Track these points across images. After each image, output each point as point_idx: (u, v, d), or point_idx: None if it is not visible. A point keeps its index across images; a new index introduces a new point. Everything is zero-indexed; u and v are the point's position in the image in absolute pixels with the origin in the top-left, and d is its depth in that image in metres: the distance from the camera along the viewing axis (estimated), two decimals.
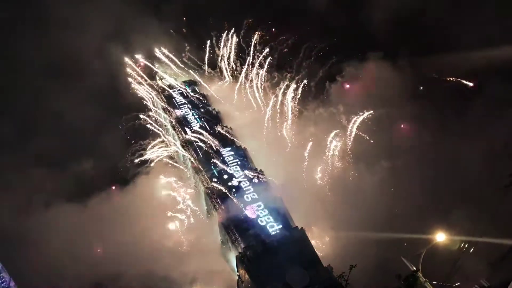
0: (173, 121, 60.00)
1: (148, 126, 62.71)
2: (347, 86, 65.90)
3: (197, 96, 65.54)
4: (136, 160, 60.88)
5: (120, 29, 66.73)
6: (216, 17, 72.31)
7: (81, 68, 65.08)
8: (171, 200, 57.44)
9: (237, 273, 44.84)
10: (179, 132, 59.01)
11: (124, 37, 67.32)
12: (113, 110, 66.32)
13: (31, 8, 66.93)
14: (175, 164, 62.69)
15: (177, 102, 64.32)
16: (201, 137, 56.45)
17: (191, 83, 68.76)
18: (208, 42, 69.25)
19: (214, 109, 63.24)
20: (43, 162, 58.17)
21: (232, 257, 45.44)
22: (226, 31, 68.72)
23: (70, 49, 63.57)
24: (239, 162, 53.32)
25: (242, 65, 68.53)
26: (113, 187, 58.99)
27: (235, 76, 69.07)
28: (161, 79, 69.92)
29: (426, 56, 62.92)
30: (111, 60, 65.76)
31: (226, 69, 69.46)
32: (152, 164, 61.40)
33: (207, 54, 69.99)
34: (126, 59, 65.43)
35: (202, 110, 62.55)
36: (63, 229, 50.15)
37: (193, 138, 56.68)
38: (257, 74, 66.13)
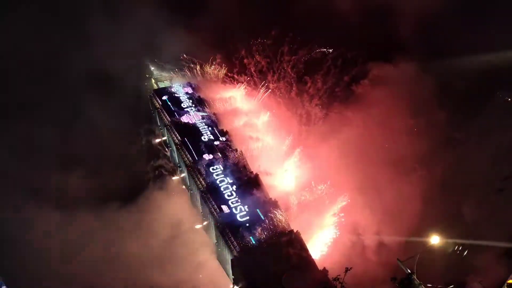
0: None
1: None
2: (372, 89, 66.32)
3: (195, 99, 65.32)
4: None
5: (149, 41, 66.87)
6: (245, 29, 72.83)
7: (108, 80, 64.56)
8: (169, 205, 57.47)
9: (233, 277, 44.79)
10: (174, 134, 59.01)
11: (152, 48, 67.83)
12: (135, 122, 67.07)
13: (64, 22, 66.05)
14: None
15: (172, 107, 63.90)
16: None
17: (186, 86, 68.31)
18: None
19: (210, 111, 63.07)
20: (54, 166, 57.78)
21: (227, 260, 45.37)
22: (254, 42, 70.80)
23: (99, 61, 62.64)
24: (234, 166, 53.29)
25: (269, 73, 70.40)
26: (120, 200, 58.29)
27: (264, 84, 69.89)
28: (156, 82, 69.73)
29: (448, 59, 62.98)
30: (137, 73, 67.13)
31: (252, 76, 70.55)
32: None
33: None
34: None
35: (200, 114, 62.35)
36: (57, 233, 49.65)
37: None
38: (284, 81, 68.72)
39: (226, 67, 70.37)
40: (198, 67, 69.79)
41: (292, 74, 70.06)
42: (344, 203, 50.33)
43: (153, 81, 70.03)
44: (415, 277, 25.78)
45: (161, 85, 69.06)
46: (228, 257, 44.96)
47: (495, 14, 60.24)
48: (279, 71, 70.57)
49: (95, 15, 64.04)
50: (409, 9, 65.74)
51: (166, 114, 61.78)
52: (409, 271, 26.21)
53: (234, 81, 70.23)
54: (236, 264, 42.93)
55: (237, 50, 72.01)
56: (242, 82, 69.18)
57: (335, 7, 70.30)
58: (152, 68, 71.32)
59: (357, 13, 70.23)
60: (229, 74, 70.66)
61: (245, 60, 70.91)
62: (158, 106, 63.95)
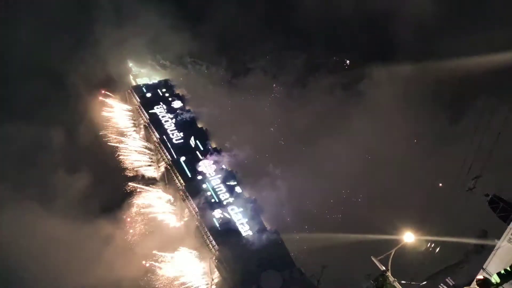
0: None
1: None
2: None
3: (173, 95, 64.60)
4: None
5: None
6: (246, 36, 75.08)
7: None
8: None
9: (211, 277, 44.72)
10: (152, 131, 58.26)
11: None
12: None
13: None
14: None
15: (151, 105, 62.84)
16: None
17: (165, 83, 67.45)
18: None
19: (189, 109, 62.51)
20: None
21: (206, 260, 45.29)
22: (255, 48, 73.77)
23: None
24: (213, 164, 53.13)
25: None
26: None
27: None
28: (134, 79, 68.67)
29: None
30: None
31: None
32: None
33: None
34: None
35: (178, 111, 61.63)
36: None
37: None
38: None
39: (223, 69, 71.34)
40: (194, 67, 70.61)
41: (293, 78, 72.31)
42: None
43: (131, 77, 68.91)
44: (390, 274, 26.39)
45: (140, 81, 68.08)
46: (207, 257, 44.85)
47: (481, 17, 62.32)
48: (280, 76, 72.84)
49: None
50: (399, 14, 67.81)
51: (144, 112, 60.95)
52: (383, 268, 26.80)
53: (232, 85, 70.83)
54: (214, 264, 42.93)
55: (238, 56, 74.22)
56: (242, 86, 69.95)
57: (334, 14, 72.76)
58: (131, 64, 70.19)
59: (352, 18, 72.74)
60: (229, 78, 71.54)
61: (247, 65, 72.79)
62: (136, 103, 63.03)
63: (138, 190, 57.81)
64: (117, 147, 61.32)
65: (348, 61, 76.67)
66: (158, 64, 71.08)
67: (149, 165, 61.45)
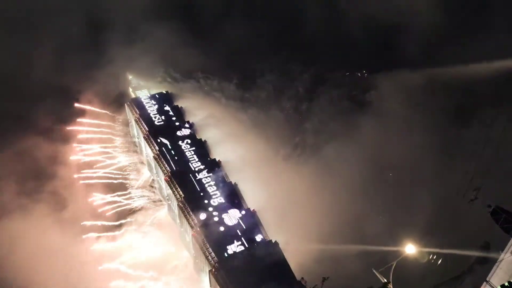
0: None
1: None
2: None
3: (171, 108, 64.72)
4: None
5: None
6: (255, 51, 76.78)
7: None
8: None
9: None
10: (152, 144, 58.11)
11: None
12: None
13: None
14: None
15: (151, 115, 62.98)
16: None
17: (165, 95, 67.63)
18: None
19: (188, 121, 62.55)
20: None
21: (205, 272, 44.80)
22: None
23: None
24: (212, 176, 52.89)
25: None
26: None
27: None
28: (134, 91, 68.80)
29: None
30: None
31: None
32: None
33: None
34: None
35: (177, 123, 61.66)
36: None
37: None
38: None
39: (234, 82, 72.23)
40: (206, 82, 71.75)
41: (302, 91, 73.66)
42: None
43: (130, 90, 69.08)
44: (391, 286, 26.11)
45: (139, 94, 68.15)
46: (206, 268, 44.43)
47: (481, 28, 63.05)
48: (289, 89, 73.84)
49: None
50: (405, 25, 68.69)
51: (144, 124, 60.92)
52: (385, 280, 26.52)
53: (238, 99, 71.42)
54: (213, 276, 42.43)
55: (247, 71, 75.43)
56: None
57: (339, 28, 75.26)
58: (130, 77, 70.45)
59: (358, 31, 74.30)
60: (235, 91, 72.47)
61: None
62: (135, 115, 63.02)
63: (142, 207, 57.94)
64: (124, 166, 62.28)
65: (359, 74, 77.98)
66: (170, 77, 71.83)
67: (152, 186, 61.53)
